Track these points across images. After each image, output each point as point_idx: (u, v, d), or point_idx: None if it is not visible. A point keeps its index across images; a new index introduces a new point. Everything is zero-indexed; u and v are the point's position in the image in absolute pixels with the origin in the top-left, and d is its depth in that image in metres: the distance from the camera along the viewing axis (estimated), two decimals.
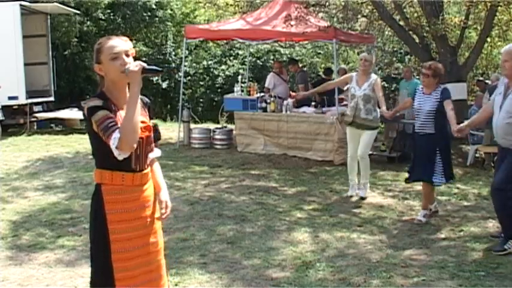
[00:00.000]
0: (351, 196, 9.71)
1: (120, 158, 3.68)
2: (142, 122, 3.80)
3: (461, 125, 7.68)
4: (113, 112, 3.73)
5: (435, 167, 8.13)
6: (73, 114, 19.03)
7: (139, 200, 3.88)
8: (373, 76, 9.54)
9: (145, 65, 3.73)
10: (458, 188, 10.36)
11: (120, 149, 3.61)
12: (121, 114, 3.76)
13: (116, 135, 3.60)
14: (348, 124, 9.72)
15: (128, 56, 3.82)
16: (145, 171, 3.92)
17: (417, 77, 16.49)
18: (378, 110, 9.50)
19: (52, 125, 18.39)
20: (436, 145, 8.11)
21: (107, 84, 3.83)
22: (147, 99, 4.06)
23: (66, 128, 18.25)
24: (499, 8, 13.97)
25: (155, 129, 4.05)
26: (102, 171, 3.84)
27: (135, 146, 3.65)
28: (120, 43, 3.85)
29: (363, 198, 9.55)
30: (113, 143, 3.59)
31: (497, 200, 6.98)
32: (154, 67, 3.81)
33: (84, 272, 6.25)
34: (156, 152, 4.10)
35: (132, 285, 3.84)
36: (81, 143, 15.19)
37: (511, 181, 6.85)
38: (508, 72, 6.89)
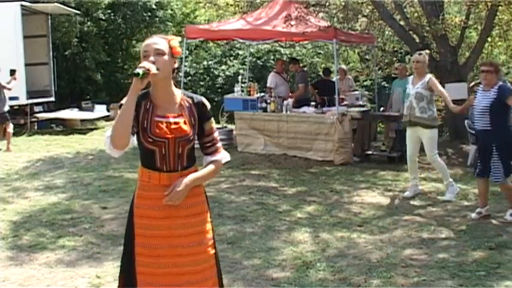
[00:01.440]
0: (412, 197, 9.67)
1: (113, 154, 3.80)
2: (175, 123, 3.83)
3: None
4: (142, 111, 3.83)
5: (492, 163, 8.15)
6: (73, 114, 19.09)
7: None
8: (428, 76, 9.51)
9: (144, 65, 3.72)
10: (459, 187, 10.34)
11: (112, 146, 3.71)
12: (156, 112, 3.83)
13: (108, 133, 3.72)
14: (406, 125, 9.73)
15: (160, 55, 3.82)
16: (176, 173, 3.88)
17: (412, 76, 16.51)
18: (435, 108, 9.53)
19: (53, 125, 18.42)
20: (493, 142, 8.11)
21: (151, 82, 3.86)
22: (200, 99, 4.01)
23: (67, 128, 18.29)
24: (500, 7, 13.96)
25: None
26: (140, 166, 3.99)
27: (124, 146, 3.73)
28: (154, 41, 3.91)
29: (447, 201, 9.45)
30: (106, 140, 3.73)
31: None
32: (137, 70, 3.71)
33: (84, 272, 6.26)
34: (219, 155, 4.06)
35: (154, 283, 3.83)
36: (82, 143, 15.23)
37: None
38: None
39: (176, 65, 3.95)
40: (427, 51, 9.83)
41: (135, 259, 3.86)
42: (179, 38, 4.04)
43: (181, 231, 3.88)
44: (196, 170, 3.97)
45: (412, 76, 9.83)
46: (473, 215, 8.42)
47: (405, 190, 10.03)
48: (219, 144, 4.08)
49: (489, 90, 8.13)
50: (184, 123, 3.86)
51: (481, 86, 8.42)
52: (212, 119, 4.06)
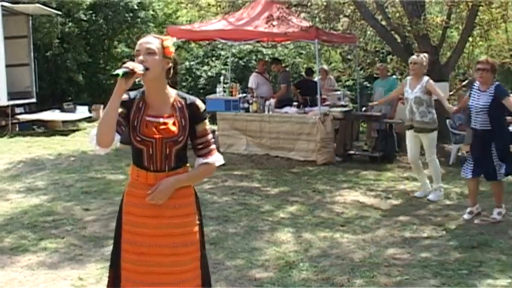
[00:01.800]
0: (422, 197, 9.71)
1: (99, 152, 3.80)
2: (164, 123, 3.83)
3: None
4: (133, 110, 3.87)
5: (490, 163, 8.20)
6: (55, 115, 18.97)
7: None
8: (425, 78, 9.47)
9: (128, 65, 3.71)
10: (442, 188, 10.39)
11: (96, 143, 3.73)
12: (147, 112, 3.86)
13: (94, 131, 3.73)
14: (408, 128, 9.72)
15: (150, 54, 3.81)
16: (162, 173, 3.87)
17: (394, 75, 16.56)
18: (434, 110, 9.52)
19: (34, 126, 18.30)
20: (493, 141, 8.16)
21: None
22: (193, 100, 3.98)
23: (48, 129, 18.16)
24: (481, 7, 14.04)
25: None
26: (131, 164, 3.99)
27: (108, 144, 3.72)
28: (147, 40, 3.90)
29: (430, 201, 9.51)
30: (91, 137, 3.75)
31: None
32: (117, 71, 3.69)
33: (67, 274, 6.22)
34: (212, 158, 4.02)
35: (137, 281, 3.85)
36: (63, 145, 15.15)
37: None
38: None
39: (170, 65, 3.91)
40: (426, 54, 9.79)
41: (121, 255, 3.89)
42: (174, 39, 4.03)
43: (167, 231, 3.87)
44: (186, 171, 3.97)
45: (409, 78, 9.77)
46: (466, 216, 8.43)
47: (388, 190, 10.07)
48: (213, 146, 4.04)
49: (486, 90, 8.13)
50: (173, 124, 3.85)
51: (475, 84, 8.40)
52: (206, 121, 4.01)
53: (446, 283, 5.94)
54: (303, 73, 18.84)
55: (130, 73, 3.64)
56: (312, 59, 21.73)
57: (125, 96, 3.81)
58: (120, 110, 3.74)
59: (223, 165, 4.15)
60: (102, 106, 20.58)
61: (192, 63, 23.99)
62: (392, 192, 9.92)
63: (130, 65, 3.68)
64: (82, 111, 19.73)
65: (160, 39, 3.91)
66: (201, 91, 22.45)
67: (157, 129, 3.81)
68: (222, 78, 16.36)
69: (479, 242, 7.23)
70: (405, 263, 6.57)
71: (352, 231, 7.82)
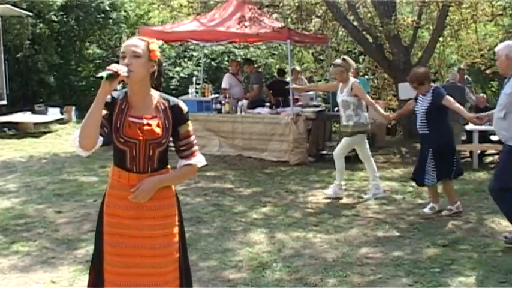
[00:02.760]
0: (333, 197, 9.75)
1: (80, 153, 3.80)
2: (148, 124, 3.82)
3: (480, 114, 8.23)
4: (116, 111, 3.83)
5: (426, 166, 8.37)
6: (26, 117, 18.80)
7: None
8: (351, 81, 9.53)
9: (112, 68, 3.67)
10: (412, 186, 10.42)
11: (78, 146, 3.71)
12: (130, 113, 3.83)
13: (76, 133, 3.70)
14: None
15: (136, 57, 3.78)
16: (145, 174, 3.86)
17: (366, 76, 16.64)
18: (363, 114, 9.59)
19: (5, 129, 18.11)
20: (430, 145, 8.33)
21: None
22: (176, 103, 3.98)
23: (19, 131, 17.99)
24: (451, 8, 14.16)
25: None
26: (112, 165, 3.97)
27: (91, 146, 3.71)
28: (133, 43, 3.87)
29: (331, 198, 9.65)
30: (73, 139, 3.73)
31: (493, 197, 7.24)
32: (101, 73, 3.65)
33: (39, 277, 6.17)
34: (195, 159, 4.08)
35: (119, 283, 3.83)
36: (35, 147, 15.02)
37: (498, 177, 7.10)
38: (499, 70, 7.39)
39: (155, 68, 3.92)
40: (347, 57, 9.93)
41: (103, 257, 3.87)
42: (160, 42, 4.03)
43: (147, 232, 3.86)
44: (168, 173, 3.98)
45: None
46: (426, 210, 8.67)
47: (360, 189, 10.12)
48: (196, 148, 4.07)
49: (425, 94, 8.42)
50: (158, 125, 3.84)
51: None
52: (189, 122, 4.02)
53: (419, 281, 5.98)
54: (275, 74, 18.86)
55: (114, 75, 3.62)
56: (284, 59, 21.75)
57: (107, 97, 3.77)
58: (103, 112, 3.71)
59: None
60: (73, 108, 20.50)
61: (164, 64, 23.88)
62: (365, 192, 9.95)
63: (114, 67, 3.65)
64: (53, 113, 19.58)
65: (146, 41, 3.89)
66: (174, 92, 22.35)
67: (141, 130, 3.79)
68: (194, 79, 16.37)
69: (451, 240, 7.29)
70: (378, 262, 6.60)
71: (325, 231, 7.84)
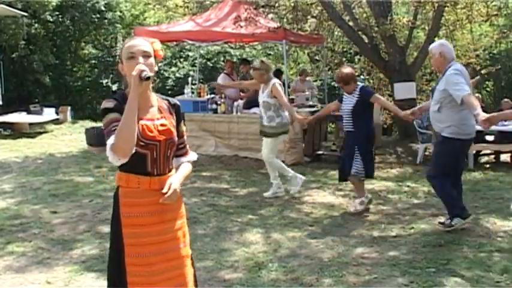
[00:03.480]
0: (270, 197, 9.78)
1: (116, 162, 3.62)
2: (162, 125, 3.77)
3: (413, 109, 8.52)
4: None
5: (354, 162, 8.61)
6: (21, 118, 18.78)
7: (157, 205, 3.76)
8: (272, 82, 9.56)
9: (144, 70, 3.63)
10: (408, 186, 10.48)
11: (114, 154, 3.56)
12: (139, 115, 3.70)
13: (111, 141, 3.54)
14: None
15: (147, 57, 3.75)
16: (165, 176, 3.82)
17: (362, 76, 16.65)
18: (284, 114, 9.65)
19: (0, 129, 18.11)
20: (355, 142, 8.58)
21: (129, 84, 3.69)
22: (175, 101, 3.98)
23: (15, 132, 17.99)
24: (446, 8, 14.18)
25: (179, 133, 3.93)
26: (120, 173, 3.81)
27: (130, 152, 3.58)
28: (140, 43, 3.82)
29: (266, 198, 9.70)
30: (108, 148, 3.55)
31: (434, 185, 7.83)
32: (148, 74, 3.61)
33: (34, 278, 6.17)
34: (190, 156, 4.10)
35: None
36: (30, 147, 15.01)
37: (434, 166, 7.81)
38: (434, 67, 8.03)
39: (156, 68, 3.87)
40: (265, 59, 10.10)
41: (125, 270, 3.73)
42: (157, 40, 3.98)
43: (170, 235, 3.82)
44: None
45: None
46: (357, 206, 8.89)
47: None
48: (188, 145, 4.11)
49: (352, 93, 8.68)
50: (170, 124, 3.83)
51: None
52: (183, 121, 4.05)
53: (415, 281, 5.98)
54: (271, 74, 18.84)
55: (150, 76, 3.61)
56: (280, 59, 21.78)
57: (111, 103, 3.69)
58: (117, 116, 3.61)
59: (193, 166, 4.14)
60: (69, 108, 20.48)
61: (159, 64, 23.86)
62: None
63: (144, 67, 3.63)
64: (49, 113, 19.56)
65: (149, 41, 3.88)
66: (169, 92, 22.39)
67: (158, 131, 3.73)
68: (190, 79, 16.33)
69: (446, 240, 7.29)
70: (374, 262, 6.61)
71: (321, 230, 7.85)
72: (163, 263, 3.78)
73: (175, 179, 3.80)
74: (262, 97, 9.59)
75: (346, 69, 8.85)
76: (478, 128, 7.50)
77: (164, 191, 3.72)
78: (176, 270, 3.84)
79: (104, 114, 3.66)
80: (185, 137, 4.05)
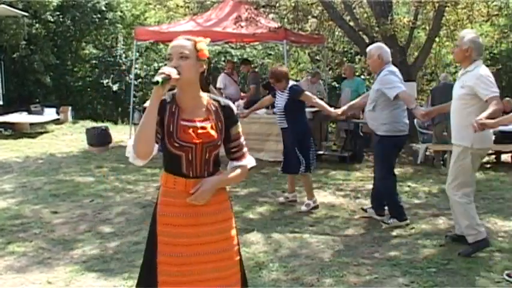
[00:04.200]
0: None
1: (136, 163, 3.62)
2: (202, 127, 3.71)
3: (343, 108, 8.91)
4: (167, 115, 3.69)
5: (295, 158, 8.92)
6: (22, 118, 18.78)
7: (192, 207, 3.74)
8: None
9: (164, 71, 3.56)
10: (409, 186, 10.47)
11: (134, 154, 3.57)
12: (181, 116, 3.70)
13: (131, 142, 3.57)
14: None
15: (183, 58, 3.70)
16: (202, 179, 3.76)
17: (362, 76, 16.64)
18: None
19: (1, 129, 18.09)
20: (294, 139, 8.91)
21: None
22: (227, 103, 3.88)
23: (16, 132, 17.97)
24: (447, 8, 14.18)
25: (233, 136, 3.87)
26: (163, 172, 3.83)
27: (147, 153, 3.55)
28: (179, 43, 3.80)
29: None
30: (128, 148, 3.59)
31: (382, 187, 8.14)
32: (156, 78, 3.52)
33: (35, 278, 6.16)
34: (245, 160, 3.99)
35: None
36: (31, 147, 15.01)
37: (377, 165, 8.23)
38: (371, 69, 8.36)
39: (204, 68, 3.82)
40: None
41: (157, 268, 3.73)
42: (207, 40, 3.94)
43: (207, 238, 3.77)
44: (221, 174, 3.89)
45: None
46: (281, 199, 9.48)
47: (357, 189, 10.12)
48: (245, 149, 3.98)
49: (283, 92, 8.97)
50: (212, 128, 3.75)
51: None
52: (239, 123, 3.92)
53: (415, 281, 5.98)
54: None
55: (168, 79, 3.51)
56: (281, 59, 21.79)
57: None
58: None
59: None
60: (70, 108, 20.48)
61: (160, 64, 23.91)
62: (361, 192, 9.97)
63: (166, 70, 3.54)
64: (50, 114, 19.56)
65: (193, 41, 3.83)
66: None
67: (196, 133, 3.68)
68: None
69: (446, 240, 7.29)
70: (374, 262, 6.60)
71: (322, 231, 7.85)
72: (197, 265, 3.74)
73: (208, 182, 3.75)
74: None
75: (282, 68, 9.22)
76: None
77: (192, 191, 3.70)
78: (213, 273, 3.77)
79: (143, 112, 3.64)
80: (241, 140, 3.94)
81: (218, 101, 3.85)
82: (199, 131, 3.69)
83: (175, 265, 3.71)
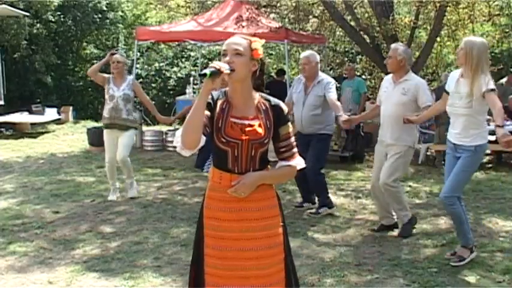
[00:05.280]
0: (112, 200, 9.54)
1: (184, 153, 3.68)
2: (250, 125, 3.75)
3: (353, 117, 9.34)
4: (217, 111, 3.77)
5: None
6: (23, 118, 18.79)
7: (237, 202, 3.80)
8: (130, 77, 9.60)
9: (214, 65, 3.63)
10: (410, 186, 10.48)
11: (181, 144, 3.62)
12: (231, 113, 3.77)
13: (179, 132, 3.63)
14: (105, 127, 9.58)
15: (238, 55, 3.76)
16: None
17: (363, 76, 16.63)
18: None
19: (2, 129, 18.10)
20: None
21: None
22: (277, 103, 3.90)
23: (17, 132, 17.99)
24: (448, 8, 14.16)
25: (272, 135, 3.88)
26: (212, 166, 3.92)
27: (193, 144, 3.60)
28: (235, 41, 3.87)
29: (132, 198, 9.62)
30: (176, 138, 3.64)
31: (311, 179, 8.64)
32: (204, 71, 3.58)
33: (36, 278, 6.16)
34: (294, 161, 3.95)
35: (221, 285, 3.79)
36: (32, 147, 15.02)
37: (319, 161, 8.59)
38: (307, 74, 8.64)
39: (257, 67, 3.87)
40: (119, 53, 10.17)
41: (203, 259, 3.85)
42: (262, 41, 4.01)
43: (251, 234, 3.82)
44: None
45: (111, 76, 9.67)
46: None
47: (358, 189, 10.12)
48: (295, 150, 3.98)
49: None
50: (259, 126, 3.79)
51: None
52: (289, 123, 3.95)
53: (416, 281, 5.98)
54: (273, 74, 18.86)
55: (217, 73, 3.56)
56: (282, 59, 21.78)
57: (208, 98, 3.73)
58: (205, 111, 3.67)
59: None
60: (71, 108, 20.50)
61: (161, 64, 23.95)
62: (362, 192, 9.97)
63: (217, 64, 3.60)
64: (51, 114, 19.58)
65: (248, 40, 3.90)
66: (171, 92, 22.45)
67: (243, 130, 3.74)
68: (191, 79, 16.36)
69: (448, 240, 7.29)
70: (375, 262, 6.60)
71: (323, 230, 7.85)
72: (240, 261, 3.79)
73: (251, 176, 3.79)
74: (120, 91, 9.39)
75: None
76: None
77: (233, 183, 3.77)
78: (255, 270, 3.80)
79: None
80: (291, 140, 3.93)
81: (269, 100, 3.89)
82: (247, 128, 3.74)
83: (219, 258, 3.80)
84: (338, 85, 19.50)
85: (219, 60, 3.75)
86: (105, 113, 9.40)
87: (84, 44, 24.78)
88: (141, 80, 22.64)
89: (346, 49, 20.46)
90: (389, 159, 7.45)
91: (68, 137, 17.28)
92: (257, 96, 3.88)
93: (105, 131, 9.51)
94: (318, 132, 8.56)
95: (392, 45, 7.68)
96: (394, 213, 7.81)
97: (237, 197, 3.77)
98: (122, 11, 24.77)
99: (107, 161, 9.48)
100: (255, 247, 3.81)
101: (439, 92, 9.14)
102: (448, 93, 6.67)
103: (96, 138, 14.45)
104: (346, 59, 20.18)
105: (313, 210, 8.78)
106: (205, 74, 3.53)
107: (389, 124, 7.46)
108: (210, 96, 3.74)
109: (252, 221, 3.82)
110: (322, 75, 8.74)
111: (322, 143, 8.67)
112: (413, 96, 7.35)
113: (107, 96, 9.40)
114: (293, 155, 3.94)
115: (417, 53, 15.98)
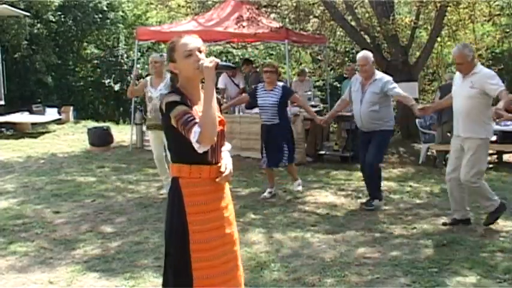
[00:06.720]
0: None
1: (200, 151, 3.75)
2: (218, 116, 3.89)
3: (427, 105, 9.48)
4: (188, 107, 3.83)
5: (283, 151, 9.50)
6: (24, 118, 18.78)
7: (216, 192, 3.99)
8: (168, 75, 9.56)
9: (219, 60, 3.81)
10: (410, 186, 10.46)
11: (201, 142, 3.69)
12: (196, 109, 3.85)
13: (196, 129, 3.69)
14: (151, 128, 9.75)
15: (200, 52, 3.90)
16: (220, 164, 4.00)
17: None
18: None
19: (3, 129, 18.11)
20: (281, 133, 9.49)
21: (181, 81, 3.97)
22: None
23: (17, 132, 17.99)
24: (448, 8, 14.17)
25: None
26: (180, 165, 3.96)
27: (215, 139, 3.76)
28: (193, 40, 3.98)
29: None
30: (193, 136, 3.69)
31: (368, 173, 8.98)
32: (227, 63, 3.88)
33: (37, 278, 6.16)
34: (228, 145, 4.25)
35: (211, 275, 3.90)
36: (33, 147, 15.02)
37: (378, 156, 8.90)
38: (365, 74, 8.90)
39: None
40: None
41: (190, 257, 3.89)
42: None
43: (226, 219, 4.04)
44: None
45: (149, 77, 10.01)
46: (266, 194, 9.74)
47: (358, 189, 10.11)
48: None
49: (273, 89, 9.53)
50: (221, 116, 4.03)
51: (259, 85, 9.87)
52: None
53: (417, 281, 5.98)
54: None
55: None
56: (282, 59, 21.78)
57: (176, 96, 3.86)
58: (186, 108, 3.80)
59: None
60: (71, 108, 20.49)
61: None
62: (363, 192, 9.94)
63: (213, 59, 3.81)
64: (51, 113, 19.58)
65: (198, 38, 4.08)
66: None
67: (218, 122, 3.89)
68: None
69: (448, 240, 7.28)
70: (376, 261, 6.60)
71: (323, 230, 7.84)
72: (222, 247, 3.98)
73: (229, 161, 4.08)
74: (157, 91, 9.62)
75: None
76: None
77: (222, 169, 3.97)
78: (232, 253, 4.06)
79: (171, 108, 3.79)
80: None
81: None
82: (218, 119, 3.88)
83: (208, 249, 3.91)
84: (339, 85, 19.61)
85: (199, 58, 3.88)
86: (148, 114, 9.72)
87: (85, 44, 24.79)
88: (141, 79, 22.62)
89: (347, 49, 20.44)
90: (466, 155, 7.58)
91: (69, 137, 17.28)
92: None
93: (149, 132, 9.79)
94: (378, 129, 8.80)
95: (455, 51, 7.66)
96: (468, 208, 8.06)
97: (220, 185, 4.01)
98: (123, 11, 24.79)
99: (155, 157, 9.73)
100: (231, 230, 4.08)
101: (446, 90, 9.24)
102: None
103: (96, 138, 14.46)
104: (346, 59, 20.15)
105: (365, 203, 9.12)
106: (234, 67, 3.99)
107: (460, 118, 7.64)
108: (179, 96, 3.86)
109: (226, 207, 4.08)
110: (378, 74, 9.01)
111: (382, 137, 8.87)
112: (480, 88, 7.39)
113: (147, 98, 9.64)
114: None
115: (418, 53, 16.01)
